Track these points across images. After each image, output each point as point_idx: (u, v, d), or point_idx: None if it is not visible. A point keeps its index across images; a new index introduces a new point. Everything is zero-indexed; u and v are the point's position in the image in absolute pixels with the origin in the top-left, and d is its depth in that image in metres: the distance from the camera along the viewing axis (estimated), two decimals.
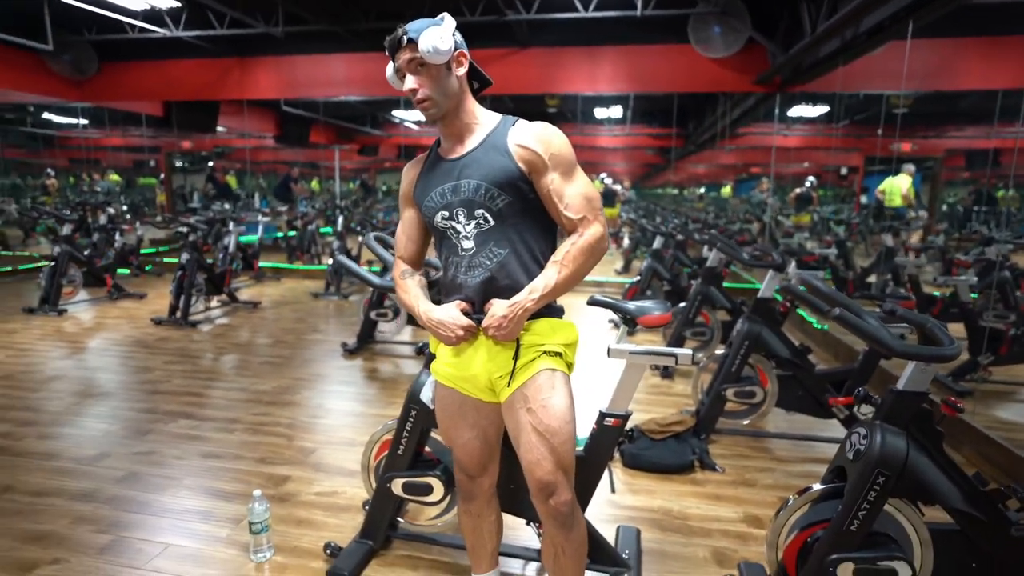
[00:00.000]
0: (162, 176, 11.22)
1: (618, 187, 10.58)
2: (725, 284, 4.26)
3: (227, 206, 9.26)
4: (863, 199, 10.14)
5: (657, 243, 5.24)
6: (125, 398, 3.37)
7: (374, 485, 2.00)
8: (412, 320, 4.32)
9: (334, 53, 6.69)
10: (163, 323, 5.02)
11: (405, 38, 1.27)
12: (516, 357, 1.34)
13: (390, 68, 1.35)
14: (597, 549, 1.83)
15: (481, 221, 1.32)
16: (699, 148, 11.92)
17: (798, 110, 9.23)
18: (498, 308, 1.30)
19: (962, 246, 7.01)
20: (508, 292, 1.32)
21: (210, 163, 11.73)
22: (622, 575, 1.81)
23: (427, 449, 1.92)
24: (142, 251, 7.57)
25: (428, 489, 1.84)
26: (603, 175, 10.58)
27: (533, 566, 1.94)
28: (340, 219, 6.45)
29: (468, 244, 1.34)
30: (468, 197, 1.31)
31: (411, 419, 1.82)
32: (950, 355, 1.41)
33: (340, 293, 6.29)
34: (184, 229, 5.40)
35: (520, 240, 1.34)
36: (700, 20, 5.78)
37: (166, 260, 7.90)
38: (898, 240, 5.80)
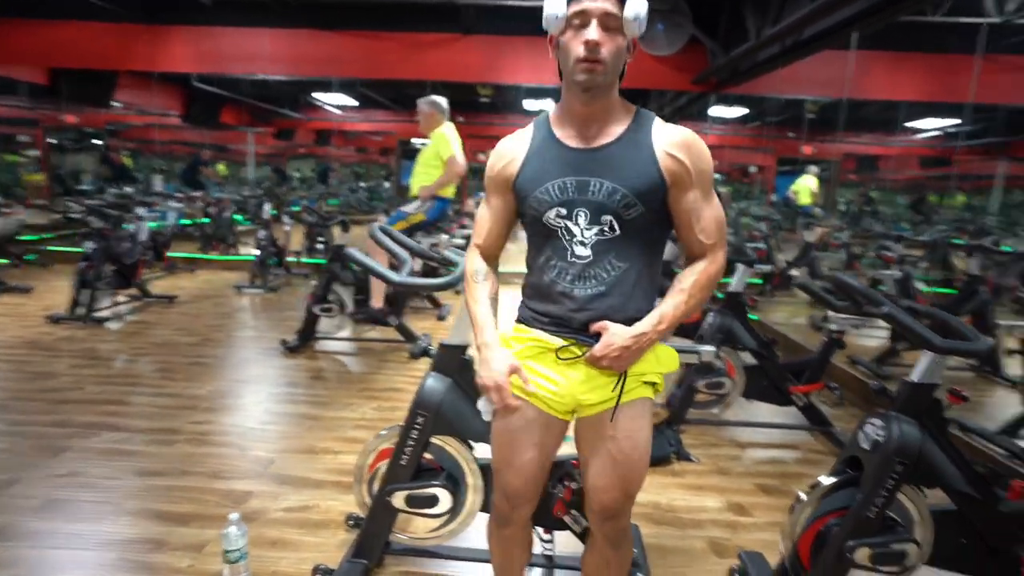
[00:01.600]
0: (37, 154, 9.92)
1: None
2: None
3: (128, 189, 8.35)
4: (773, 197, 10.86)
5: None
6: (26, 410, 2.90)
7: (368, 499, 1.83)
8: (366, 317, 4.08)
9: (260, 27, 6.18)
10: (62, 321, 4.41)
11: None
12: (621, 391, 1.20)
13: (559, 4, 1.11)
14: None
15: (606, 229, 1.16)
16: None
17: (716, 110, 9.70)
18: (618, 337, 1.15)
19: (856, 242, 7.63)
20: (617, 311, 1.18)
21: (101, 141, 10.54)
22: (636, 575, 1.77)
23: (427, 456, 1.78)
24: (18, 238, 6.66)
25: (433, 501, 1.71)
26: None
27: (537, 572, 1.86)
28: (266, 206, 5.97)
29: (584, 252, 1.17)
30: (598, 200, 1.15)
31: (417, 426, 1.67)
32: (983, 349, 1.48)
33: (267, 286, 5.85)
34: (79, 215, 4.79)
35: (641, 255, 1.19)
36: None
37: (51, 249, 7.00)
38: (812, 235, 6.23)
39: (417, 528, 1.87)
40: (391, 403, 3.14)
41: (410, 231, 3.92)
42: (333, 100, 10.12)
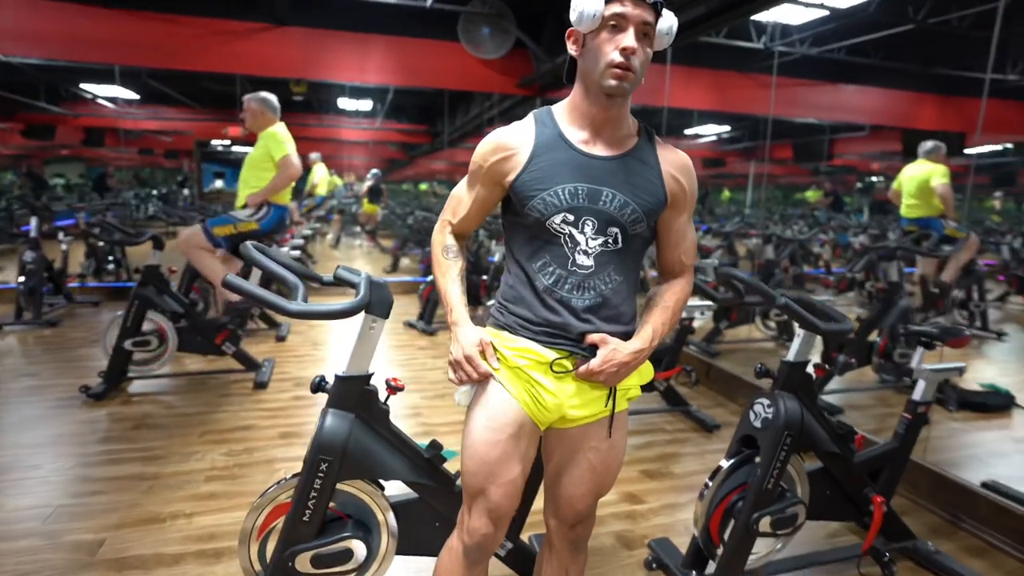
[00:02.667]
0: None
1: (381, 184, 10.21)
2: None
3: None
4: None
5: None
6: None
7: (259, 567, 1.53)
8: (193, 345, 3.48)
9: None
10: None
11: (659, 1, 1.08)
12: (613, 405, 1.22)
13: (599, 3, 1.05)
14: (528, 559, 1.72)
15: (611, 241, 1.14)
16: (448, 145, 12.28)
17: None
18: (619, 353, 1.15)
19: None
20: (612, 323, 1.19)
21: None
22: None
23: (331, 504, 1.54)
24: None
25: (347, 556, 1.48)
26: (374, 171, 10.11)
27: None
28: (33, 220, 4.81)
29: (586, 262, 1.15)
30: (608, 212, 1.13)
31: (321, 474, 1.43)
32: (849, 328, 1.69)
33: (40, 320, 4.74)
34: None
35: (633, 269, 1.22)
36: (470, 20, 5.92)
37: None
38: None
39: None
40: (244, 445, 2.72)
41: (237, 240, 3.41)
42: (107, 92, 8.58)
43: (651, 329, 1.21)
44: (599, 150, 1.15)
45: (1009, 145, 9.79)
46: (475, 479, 1.20)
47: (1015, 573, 1.99)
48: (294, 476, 1.56)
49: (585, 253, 1.14)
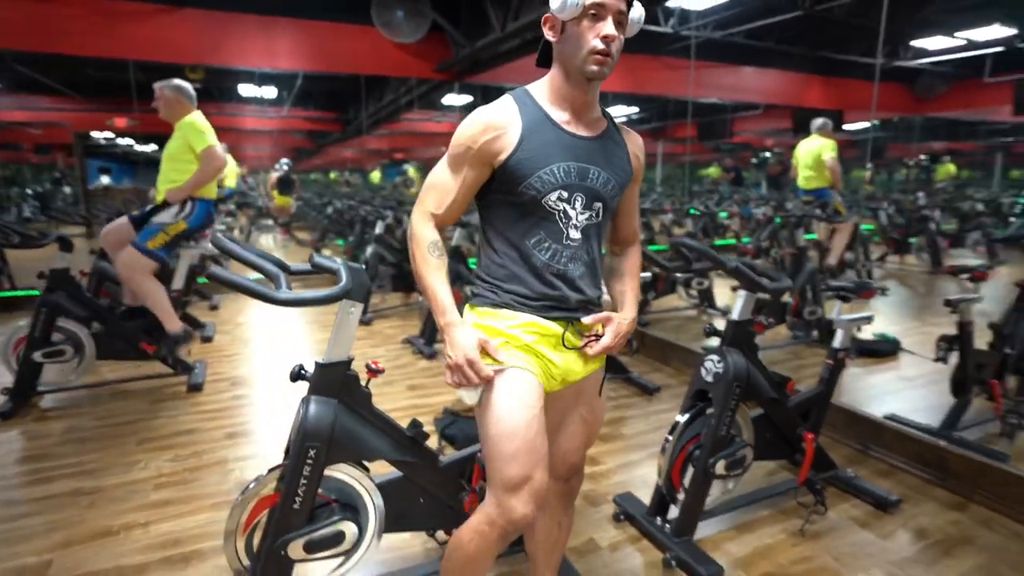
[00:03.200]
0: None
1: (292, 175, 9.77)
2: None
3: None
4: None
5: (379, 228, 5.13)
6: None
7: (247, 561, 1.50)
8: (114, 352, 3.24)
9: None
10: None
11: None
12: (604, 367, 1.37)
13: None
14: None
15: (594, 215, 1.24)
16: (357, 133, 11.93)
17: (450, 98, 10.13)
18: (623, 325, 1.29)
19: None
20: (595, 288, 1.30)
21: None
22: None
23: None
24: None
25: (339, 538, 1.50)
26: (284, 160, 9.62)
27: None
28: None
29: (576, 235, 1.23)
30: (595, 188, 1.22)
31: (310, 461, 1.43)
32: (789, 284, 1.88)
33: None
34: None
35: (603, 239, 1.33)
36: (383, 2, 5.78)
37: None
38: None
39: None
40: (191, 449, 2.60)
41: (172, 245, 3.23)
42: None
43: (633, 296, 1.37)
44: (582, 131, 1.23)
45: (877, 122, 10.91)
46: (522, 466, 1.16)
47: (914, 487, 2.32)
48: (274, 469, 1.54)
49: (575, 227, 1.22)
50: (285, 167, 9.53)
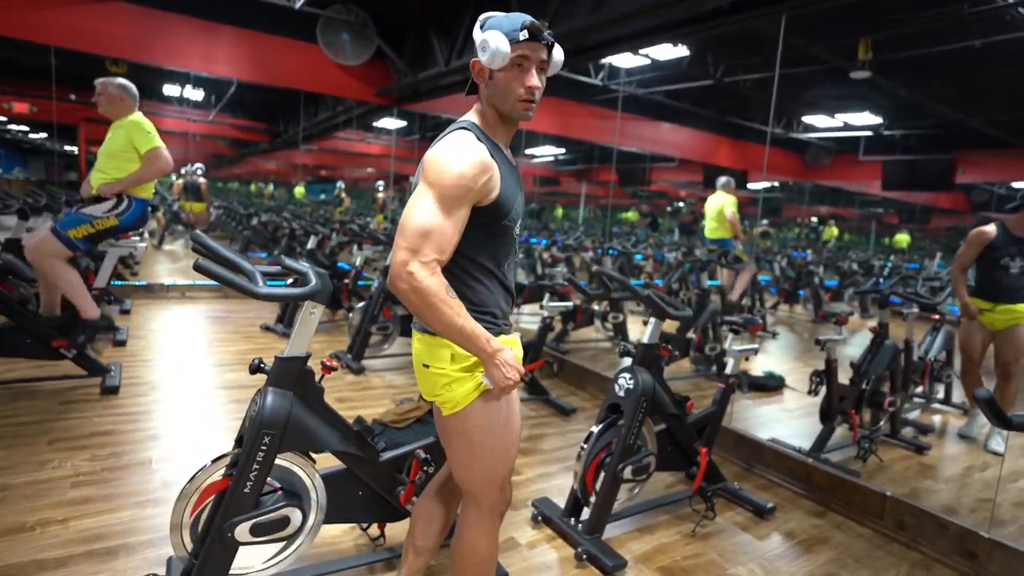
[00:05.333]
0: None
1: (199, 180, 9.45)
2: None
3: None
4: None
5: (311, 243, 5.15)
6: None
7: (190, 545, 1.57)
8: (19, 349, 3.09)
9: None
10: None
11: (551, 41, 1.27)
12: None
13: (506, 44, 1.22)
14: None
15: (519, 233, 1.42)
16: (286, 146, 11.75)
17: (384, 122, 10.26)
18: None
19: None
20: None
21: None
22: None
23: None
24: None
25: (284, 523, 1.60)
26: (197, 165, 9.28)
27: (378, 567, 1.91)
28: None
29: (519, 255, 1.42)
30: (523, 211, 1.40)
31: (264, 448, 1.53)
32: (690, 315, 2.19)
33: None
34: None
35: None
36: (330, 24, 5.91)
37: None
38: None
39: (249, 563, 1.68)
40: (109, 450, 2.54)
41: (95, 239, 3.15)
42: None
43: None
44: (512, 161, 1.38)
45: (775, 184, 12.15)
46: (511, 461, 1.44)
47: (786, 498, 2.70)
48: (218, 459, 1.63)
49: (519, 249, 1.45)
50: (198, 172, 9.22)
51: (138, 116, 3.21)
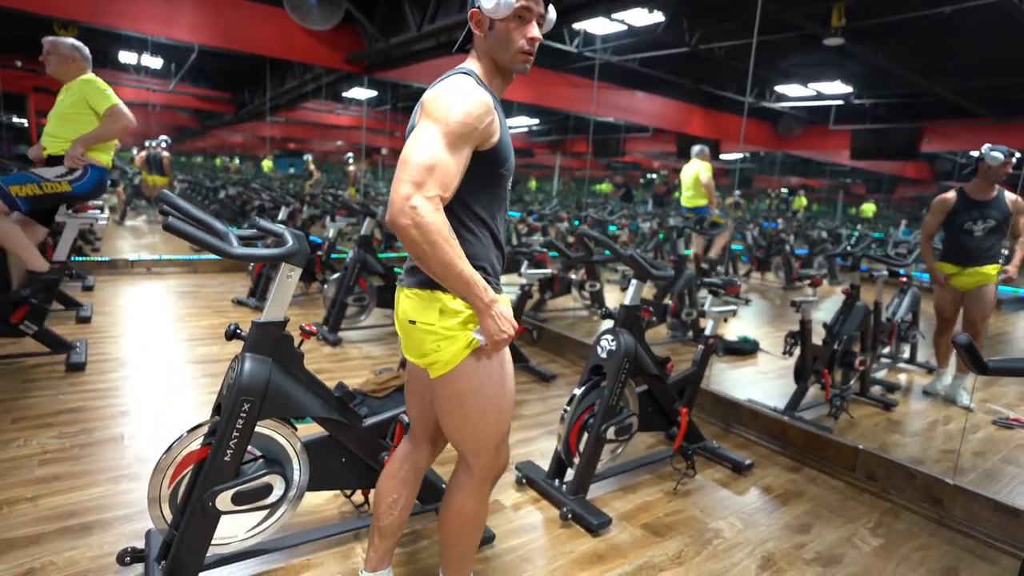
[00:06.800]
0: None
1: (162, 155, 9.10)
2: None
3: None
4: None
5: (282, 214, 5.01)
6: None
7: (169, 517, 1.53)
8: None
9: None
10: None
11: None
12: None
13: None
14: (432, 491, 1.97)
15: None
16: (252, 117, 11.36)
17: (354, 92, 9.98)
18: None
19: None
20: None
21: None
22: None
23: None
24: None
25: (267, 491, 1.57)
26: (163, 138, 8.92)
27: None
28: None
29: (508, 209, 1.38)
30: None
31: (243, 414, 1.49)
32: (671, 275, 2.19)
33: None
34: None
35: None
36: None
37: None
38: None
39: (232, 533, 1.65)
40: (79, 427, 2.46)
41: (41, 202, 2.96)
42: None
43: None
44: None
45: (747, 154, 12.25)
46: (506, 424, 1.41)
47: (763, 455, 2.76)
48: (194, 428, 1.59)
49: (509, 202, 1.40)
50: (163, 145, 8.88)
51: (90, 75, 3.04)
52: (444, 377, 1.31)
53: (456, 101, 1.18)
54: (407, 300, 1.31)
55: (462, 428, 1.37)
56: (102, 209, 3.41)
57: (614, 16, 5.53)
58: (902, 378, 4.07)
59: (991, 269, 3.28)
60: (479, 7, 1.26)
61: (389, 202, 1.14)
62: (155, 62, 9.09)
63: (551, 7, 1.33)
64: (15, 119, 9.37)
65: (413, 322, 1.29)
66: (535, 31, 1.28)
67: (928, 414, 3.42)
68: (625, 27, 5.84)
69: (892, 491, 2.42)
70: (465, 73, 1.26)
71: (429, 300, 1.27)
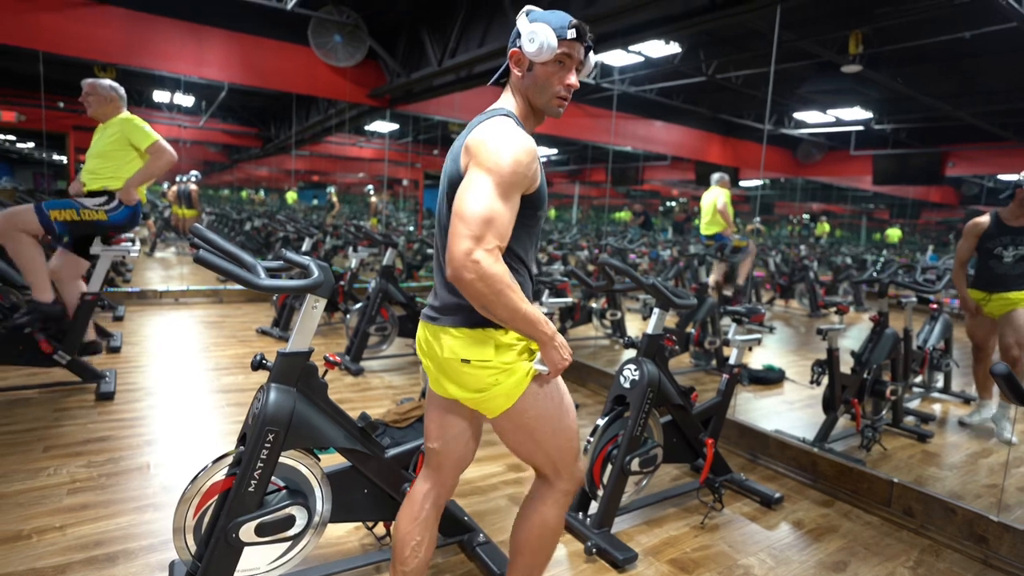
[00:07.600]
0: None
1: (190, 188, 9.40)
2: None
3: None
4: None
5: (306, 245, 5.11)
6: None
7: (193, 548, 1.53)
8: (9, 357, 3.02)
9: None
10: None
11: (591, 44, 1.31)
12: None
13: (554, 39, 1.24)
14: (454, 523, 1.95)
15: None
16: (278, 151, 11.69)
17: (377, 125, 10.23)
18: None
19: None
20: None
21: None
22: (478, 535, 1.97)
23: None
24: None
25: (290, 522, 1.57)
26: (194, 173, 9.22)
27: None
28: None
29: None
30: None
31: (268, 445, 1.50)
32: (694, 303, 2.17)
33: None
34: None
35: None
36: (321, 25, 5.88)
37: None
38: None
39: (255, 565, 1.64)
40: (106, 456, 2.49)
41: (75, 230, 3.06)
42: None
43: None
44: None
45: (767, 181, 12.20)
46: (576, 439, 1.43)
47: (793, 488, 2.68)
48: (219, 459, 1.60)
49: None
50: (193, 179, 9.17)
51: (128, 114, 3.17)
52: (507, 413, 1.32)
53: (505, 148, 1.19)
54: (454, 340, 1.30)
55: (537, 454, 1.41)
56: (134, 241, 3.52)
57: (631, 48, 5.61)
58: (936, 408, 3.94)
59: (1019, 296, 3.19)
60: (520, 48, 1.28)
61: (448, 257, 1.16)
62: (187, 100, 9.45)
63: (592, 55, 1.36)
64: (55, 156, 9.78)
65: (467, 361, 1.28)
66: (573, 78, 1.30)
67: (966, 446, 3.30)
68: (642, 58, 5.92)
69: (931, 527, 2.33)
70: (505, 115, 1.27)
71: (482, 338, 1.28)
